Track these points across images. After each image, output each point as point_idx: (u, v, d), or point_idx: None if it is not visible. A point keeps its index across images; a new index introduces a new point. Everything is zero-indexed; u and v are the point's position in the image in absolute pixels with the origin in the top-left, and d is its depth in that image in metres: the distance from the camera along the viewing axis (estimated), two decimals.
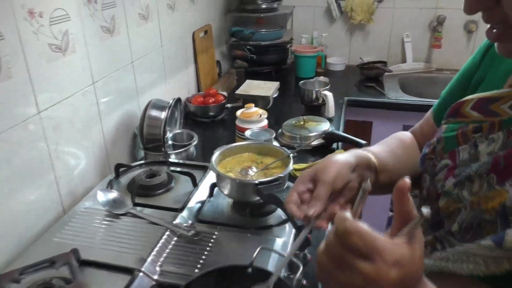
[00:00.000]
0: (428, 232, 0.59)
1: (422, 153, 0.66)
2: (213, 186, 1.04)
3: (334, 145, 1.38)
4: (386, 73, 2.17)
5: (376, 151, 0.69)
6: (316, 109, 1.70)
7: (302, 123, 1.45)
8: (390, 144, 0.73)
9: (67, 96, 1.04)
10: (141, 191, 1.05)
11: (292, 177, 1.16)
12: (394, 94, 1.97)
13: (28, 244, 0.92)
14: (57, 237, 0.90)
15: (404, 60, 2.33)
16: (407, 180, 0.41)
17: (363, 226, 0.40)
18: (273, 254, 0.76)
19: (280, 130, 1.45)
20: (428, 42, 2.31)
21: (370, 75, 2.17)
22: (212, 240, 0.86)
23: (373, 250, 0.39)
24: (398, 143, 0.75)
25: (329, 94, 1.66)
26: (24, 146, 0.91)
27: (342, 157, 0.61)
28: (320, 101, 1.71)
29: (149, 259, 0.81)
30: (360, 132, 1.83)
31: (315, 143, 1.36)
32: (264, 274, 0.61)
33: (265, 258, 0.77)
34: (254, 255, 0.65)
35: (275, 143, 1.28)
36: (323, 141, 1.36)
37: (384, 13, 2.31)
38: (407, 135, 0.80)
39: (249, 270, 0.64)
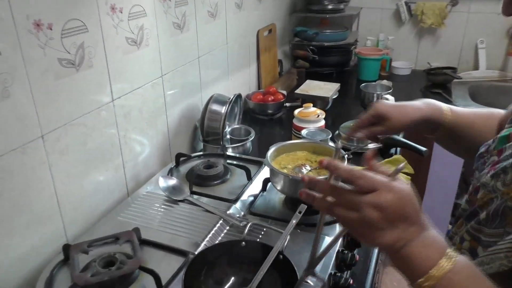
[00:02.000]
0: (463, 224, 0.64)
1: (478, 152, 0.69)
2: (266, 181, 1.06)
3: (392, 150, 1.35)
4: (454, 80, 2.07)
5: (456, 110, 0.79)
6: None
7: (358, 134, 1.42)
8: (474, 114, 0.81)
9: (137, 86, 1.11)
10: (199, 181, 1.09)
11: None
12: (463, 102, 1.89)
13: (96, 220, 0.99)
14: (121, 216, 0.96)
15: (476, 67, 2.22)
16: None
17: (358, 169, 0.53)
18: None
19: (337, 132, 1.44)
20: (504, 50, 2.17)
21: (437, 81, 2.08)
22: (262, 233, 0.88)
23: (374, 184, 0.50)
24: (483, 115, 0.81)
25: (391, 98, 1.62)
26: (97, 131, 0.98)
27: (414, 104, 0.75)
28: None
29: (202, 244, 0.84)
30: (421, 139, 1.78)
31: (371, 146, 1.34)
32: (255, 246, 0.76)
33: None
34: (246, 230, 0.80)
35: (331, 144, 1.28)
36: (380, 145, 1.32)
37: (458, 17, 2.20)
38: (497, 112, 0.83)
39: (243, 243, 0.76)
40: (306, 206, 0.79)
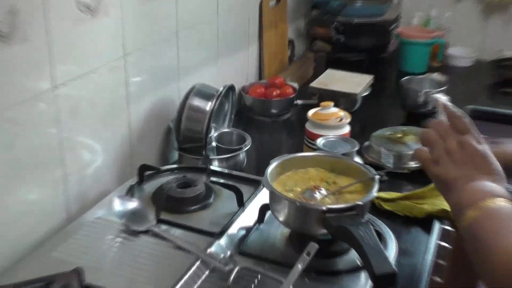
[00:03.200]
0: None
1: None
2: (264, 208, 1.06)
3: None
4: None
5: None
6: (422, 117, 1.59)
7: (400, 135, 1.44)
8: None
9: (89, 70, 1.10)
10: (170, 205, 1.09)
11: (375, 208, 1.16)
12: None
13: (22, 255, 0.97)
14: (57, 250, 0.95)
15: None
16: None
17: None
18: None
19: (367, 143, 1.45)
20: None
21: (511, 76, 2.08)
22: (255, 281, 0.87)
23: (468, 130, 0.80)
24: None
25: (444, 99, 1.57)
26: (30, 130, 0.97)
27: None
28: (430, 107, 1.69)
29: None
30: None
31: (415, 165, 1.35)
32: None
33: None
34: (232, 277, 0.84)
35: (357, 160, 1.28)
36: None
37: None
38: None
39: None
40: (317, 246, 0.81)
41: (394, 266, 0.77)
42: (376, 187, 0.97)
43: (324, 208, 0.91)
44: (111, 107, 1.19)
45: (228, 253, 0.97)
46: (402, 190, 1.29)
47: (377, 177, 0.99)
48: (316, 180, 1.06)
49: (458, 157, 0.77)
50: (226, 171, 1.28)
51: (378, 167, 1.28)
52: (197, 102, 1.28)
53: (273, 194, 0.99)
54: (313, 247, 0.82)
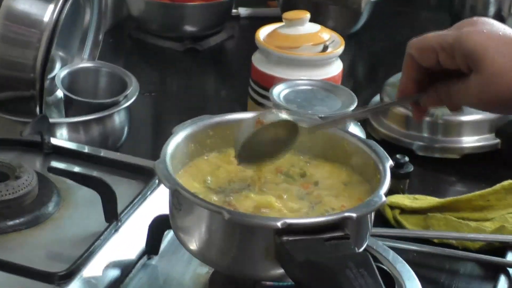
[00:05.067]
0: None
1: None
2: (160, 226, 0.79)
3: None
4: None
5: None
6: None
7: None
8: None
9: None
10: None
11: (387, 225, 0.93)
12: None
13: None
14: None
15: None
16: None
17: None
18: None
19: (376, 98, 1.17)
20: None
21: None
22: None
23: None
24: None
25: None
26: None
27: None
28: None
29: None
30: None
31: (472, 143, 1.09)
32: None
33: None
34: None
35: (355, 130, 1.00)
36: (496, 140, 1.09)
37: None
38: None
39: None
40: None
41: None
42: (386, 184, 0.68)
43: (278, 224, 0.62)
44: None
45: None
46: (444, 193, 1.02)
47: (389, 165, 0.71)
48: (269, 170, 0.78)
49: None
50: (85, 149, 0.97)
51: (397, 148, 1.05)
52: (22, 4, 0.95)
53: (177, 197, 0.69)
54: None
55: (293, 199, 0.72)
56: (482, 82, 0.64)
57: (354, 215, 0.62)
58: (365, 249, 0.71)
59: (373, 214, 0.69)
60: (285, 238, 0.61)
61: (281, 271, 0.63)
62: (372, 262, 0.59)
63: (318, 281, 0.59)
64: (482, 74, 0.64)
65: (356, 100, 1.00)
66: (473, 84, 0.65)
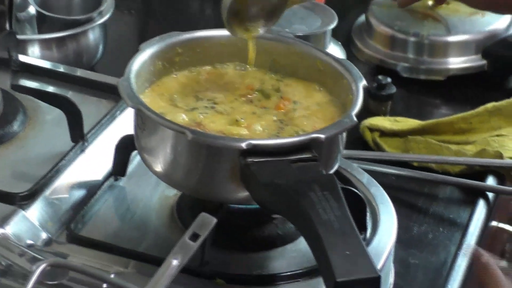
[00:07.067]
0: None
1: None
2: (126, 146, 0.79)
3: None
4: None
5: None
6: None
7: (429, 2, 1.16)
8: None
9: None
10: None
11: (365, 148, 0.93)
12: None
13: None
14: None
15: None
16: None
17: None
18: None
19: (361, 17, 1.17)
20: None
21: None
22: None
23: None
24: None
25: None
26: None
27: None
28: None
29: None
30: None
31: (458, 64, 1.09)
32: None
33: None
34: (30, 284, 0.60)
35: (334, 49, 1.03)
36: (483, 61, 1.09)
37: None
38: None
39: None
40: (214, 221, 0.61)
41: (376, 268, 0.52)
42: (358, 105, 0.69)
43: (243, 144, 0.63)
44: None
45: (44, 237, 0.74)
46: (428, 116, 1.02)
47: (363, 85, 0.72)
48: (239, 88, 0.80)
49: None
50: (54, 67, 0.97)
51: (381, 69, 1.05)
52: None
53: (141, 117, 0.70)
54: (206, 223, 0.61)
55: (264, 119, 0.71)
56: None
57: (322, 136, 0.62)
58: (335, 172, 0.70)
59: (344, 135, 0.69)
60: (250, 159, 0.62)
61: (247, 193, 0.65)
62: (338, 185, 0.60)
63: (281, 203, 0.61)
64: None
65: (337, 18, 1.00)
66: None
